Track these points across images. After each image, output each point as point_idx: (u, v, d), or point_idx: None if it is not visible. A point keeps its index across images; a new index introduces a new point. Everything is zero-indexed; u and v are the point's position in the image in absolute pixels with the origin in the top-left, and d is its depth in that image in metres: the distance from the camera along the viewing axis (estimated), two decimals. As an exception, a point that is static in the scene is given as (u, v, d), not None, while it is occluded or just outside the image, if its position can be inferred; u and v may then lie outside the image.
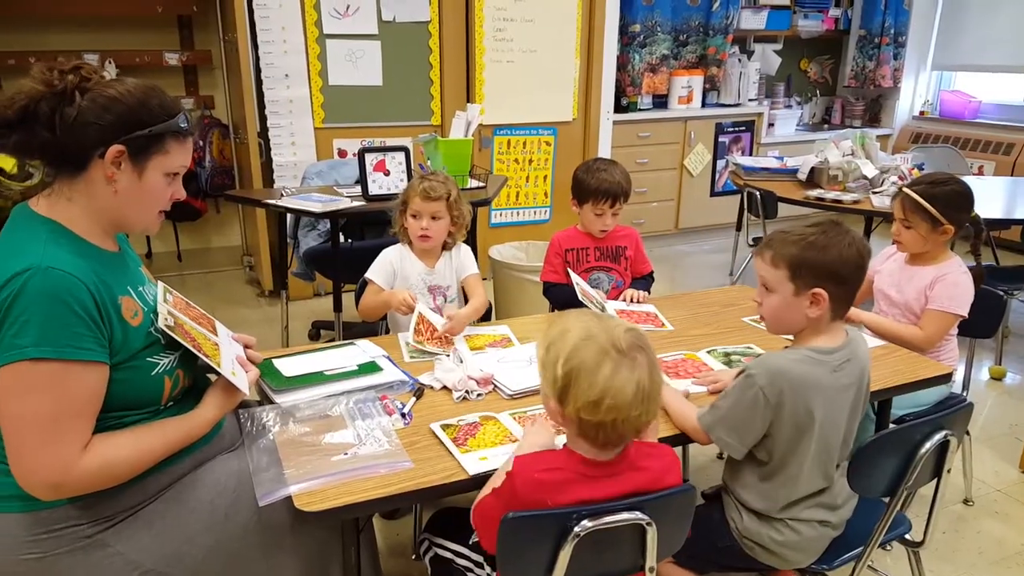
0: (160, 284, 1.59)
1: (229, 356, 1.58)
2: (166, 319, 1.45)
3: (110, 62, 4.31)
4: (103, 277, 1.36)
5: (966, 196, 2.28)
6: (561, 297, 2.55)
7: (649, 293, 2.55)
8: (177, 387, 1.48)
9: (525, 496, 1.26)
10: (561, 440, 1.43)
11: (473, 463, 1.49)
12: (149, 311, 1.47)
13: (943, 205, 2.23)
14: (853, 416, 1.63)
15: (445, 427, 1.62)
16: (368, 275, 2.33)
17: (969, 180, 2.39)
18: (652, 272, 2.65)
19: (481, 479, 1.45)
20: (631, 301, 2.42)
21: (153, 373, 1.42)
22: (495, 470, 1.45)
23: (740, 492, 1.65)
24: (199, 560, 1.43)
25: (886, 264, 2.43)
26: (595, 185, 2.45)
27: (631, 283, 2.57)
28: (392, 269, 2.33)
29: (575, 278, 2.40)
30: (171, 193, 1.47)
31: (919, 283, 2.29)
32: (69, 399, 1.28)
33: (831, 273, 1.55)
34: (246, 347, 1.72)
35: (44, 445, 1.26)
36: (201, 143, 4.77)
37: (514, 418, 1.67)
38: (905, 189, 2.31)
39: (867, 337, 1.93)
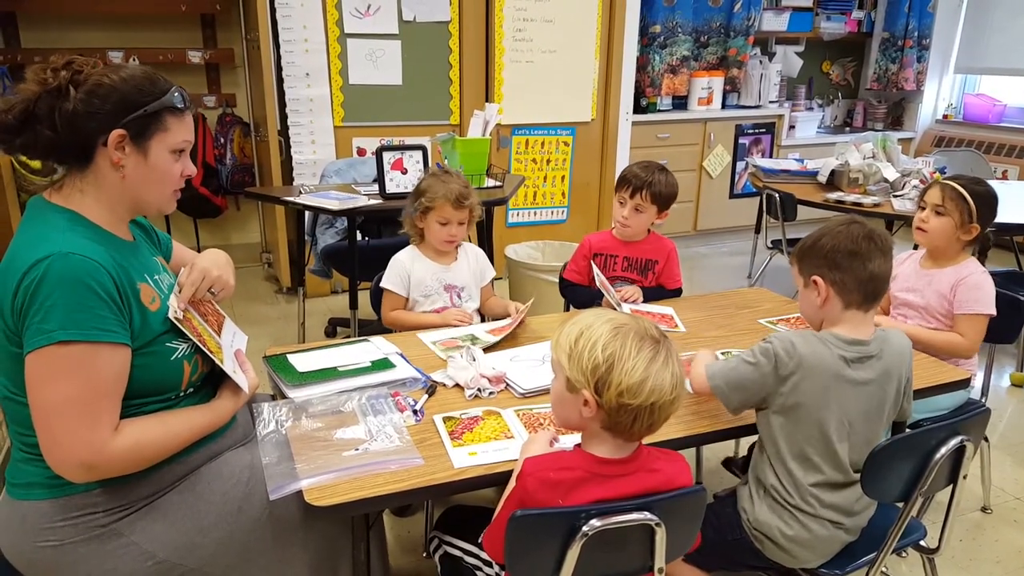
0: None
1: (231, 355, 1.59)
2: (175, 311, 1.46)
3: (134, 59, 4.36)
4: (121, 263, 1.39)
5: (997, 202, 2.32)
6: (578, 298, 2.55)
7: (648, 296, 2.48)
8: (196, 372, 1.50)
9: (538, 496, 1.26)
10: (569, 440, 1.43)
11: (462, 457, 1.50)
12: (166, 298, 1.49)
13: (979, 203, 2.26)
14: (872, 415, 1.61)
15: (447, 420, 1.64)
16: (385, 284, 2.35)
17: (993, 184, 2.39)
18: (680, 289, 2.59)
19: (468, 481, 1.46)
20: (622, 299, 2.38)
21: (172, 358, 1.44)
22: (483, 466, 1.47)
23: (760, 473, 1.66)
24: (211, 551, 1.44)
25: (901, 268, 2.41)
26: (623, 174, 2.46)
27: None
28: (405, 274, 2.34)
29: (597, 271, 2.37)
30: (180, 170, 1.49)
31: (939, 286, 2.29)
32: (99, 380, 1.30)
33: (823, 258, 1.62)
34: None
35: (78, 427, 1.28)
36: (223, 140, 4.82)
37: (518, 415, 1.67)
38: (948, 180, 2.34)
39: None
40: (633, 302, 2.37)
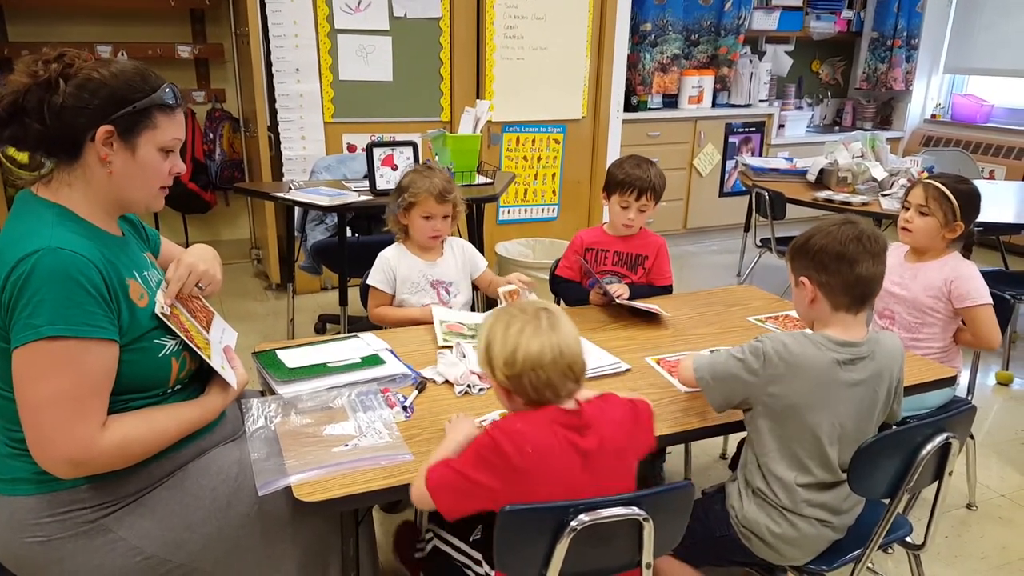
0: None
1: (220, 351, 1.59)
2: (162, 307, 1.46)
3: (123, 54, 4.33)
4: (110, 258, 1.38)
5: (980, 199, 2.33)
6: (569, 294, 2.55)
7: (639, 294, 2.43)
8: (184, 369, 1.50)
9: (504, 445, 1.27)
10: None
11: None
12: (154, 294, 1.48)
13: (962, 201, 2.28)
14: (862, 416, 1.61)
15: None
16: (371, 281, 2.36)
17: (980, 184, 2.41)
18: (670, 287, 2.57)
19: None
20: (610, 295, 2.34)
21: (160, 355, 1.43)
22: None
23: (748, 474, 1.66)
24: (199, 547, 1.44)
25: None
26: (621, 177, 2.45)
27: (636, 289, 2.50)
28: (391, 271, 2.35)
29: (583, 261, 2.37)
30: (169, 168, 1.47)
31: (925, 280, 2.31)
32: (86, 376, 1.29)
33: (810, 261, 1.60)
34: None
35: (65, 423, 1.28)
36: (212, 136, 4.80)
37: None
38: (930, 180, 2.34)
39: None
40: (619, 298, 2.37)
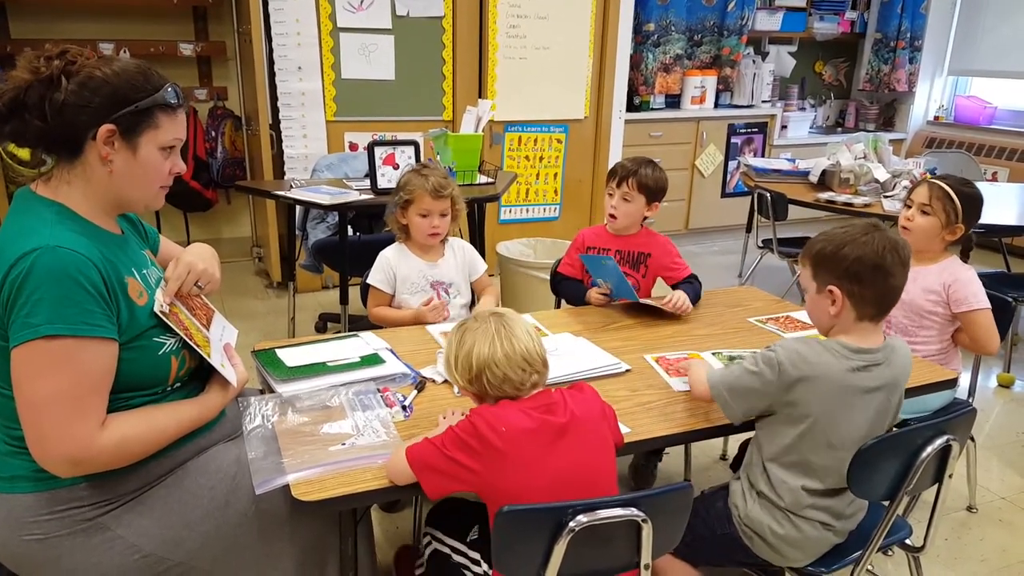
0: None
1: (219, 349, 1.58)
2: (161, 305, 1.46)
3: (125, 51, 4.33)
4: (109, 257, 1.38)
5: (982, 204, 2.33)
6: (570, 292, 2.55)
7: (690, 298, 2.34)
8: (183, 367, 1.49)
9: (481, 427, 1.35)
10: None
11: None
12: (153, 292, 1.48)
13: (965, 203, 2.27)
14: (877, 423, 1.59)
15: None
16: (371, 281, 2.36)
17: (983, 186, 2.39)
18: (693, 275, 2.51)
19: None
20: (674, 306, 2.28)
21: (160, 353, 1.43)
22: None
23: (752, 476, 1.66)
24: (198, 545, 1.44)
25: None
26: (613, 166, 2.50)
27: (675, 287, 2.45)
28: (391, 271, 2.35)
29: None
30: (170, 167, 1.47)
31: (924, 283, 2.30)
32: (85, 375, 1.29)
33: (844, 271, 1.55)
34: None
35: (64, 421, 1.28)
36: (214, 134, 4.80)
37: None
38: (935, 179, 2.33)
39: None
40: (680, 309, 2.29)
